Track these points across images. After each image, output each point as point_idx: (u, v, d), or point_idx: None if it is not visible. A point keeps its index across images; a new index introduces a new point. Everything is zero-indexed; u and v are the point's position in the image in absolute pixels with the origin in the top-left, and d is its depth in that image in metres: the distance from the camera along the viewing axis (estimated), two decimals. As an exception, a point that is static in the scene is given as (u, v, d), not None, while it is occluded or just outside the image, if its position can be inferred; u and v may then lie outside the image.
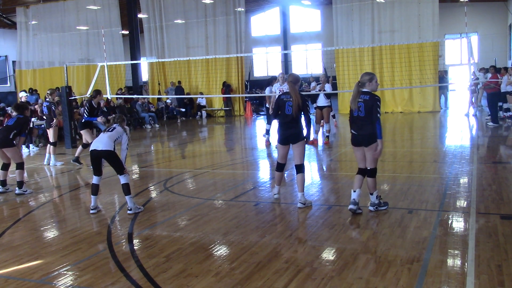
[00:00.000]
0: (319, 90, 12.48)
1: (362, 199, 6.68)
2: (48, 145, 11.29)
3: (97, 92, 10.64)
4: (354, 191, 5.90)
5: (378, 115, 5.63)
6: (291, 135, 6.43)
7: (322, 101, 12.37)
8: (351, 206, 5.91)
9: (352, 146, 6.04)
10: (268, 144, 12.59)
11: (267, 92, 13.16)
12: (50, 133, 11.09)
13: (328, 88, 12.39)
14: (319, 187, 7.87)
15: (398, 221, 5.59)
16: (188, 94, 23.40)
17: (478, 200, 6.29)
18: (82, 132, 10.62)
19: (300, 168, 6.41)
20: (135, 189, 8.02)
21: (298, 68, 37.82)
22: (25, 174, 9.29)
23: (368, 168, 5.88)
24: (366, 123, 5.72)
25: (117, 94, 21.41)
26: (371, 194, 5.99)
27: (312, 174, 9.15)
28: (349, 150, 10.71)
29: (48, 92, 11.63)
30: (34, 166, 11.24)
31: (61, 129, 14.59)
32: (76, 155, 10.85)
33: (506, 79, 15.26)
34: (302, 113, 6.36)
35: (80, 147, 10.91)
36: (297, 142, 6.41)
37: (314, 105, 12.75)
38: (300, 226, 5.63)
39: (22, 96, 17.81)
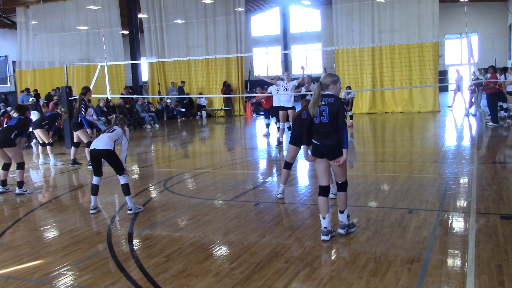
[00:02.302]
0: (306, 91, 12.68)
1: (362, 200, 6.70)
2: (40, 146, 11.36)
3: (86, 89, 10.54)
4: (324, 218, 5.06)
5: (345, 120, 4.94)
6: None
7: None
8: (324, 237, 5.02)
9: (313, 157, 5.19)
10: (278, 141, 12.60)
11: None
12: (41, 134, 10.99)
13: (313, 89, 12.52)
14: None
15: (398, 221, 5.58)
16: (187, 94, 23.40)
17: (478, 200, 6.28)
18: (77, 132, 10.43)
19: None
20: (135, 189, 8.02)
21: (298, 68, 37.85)
22: (28, 174, 9.30)
23: (339, 183, 5.17)
24: (331, 130, 4.95)
25: (121, 94, 21.46)
26: (341, 212, 5.16)
27: (311, 174, 9.15)
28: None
29: (63, 109, 11.67)
30: (35, 166, 11.24)
31: (61, 129, 14.62)
32: (72, 157, 10.84)
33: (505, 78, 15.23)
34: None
35: (73, 148, 10.89)
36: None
37: None
38: (300, 226, 5.62)
39: (29, 99, 17.94)
